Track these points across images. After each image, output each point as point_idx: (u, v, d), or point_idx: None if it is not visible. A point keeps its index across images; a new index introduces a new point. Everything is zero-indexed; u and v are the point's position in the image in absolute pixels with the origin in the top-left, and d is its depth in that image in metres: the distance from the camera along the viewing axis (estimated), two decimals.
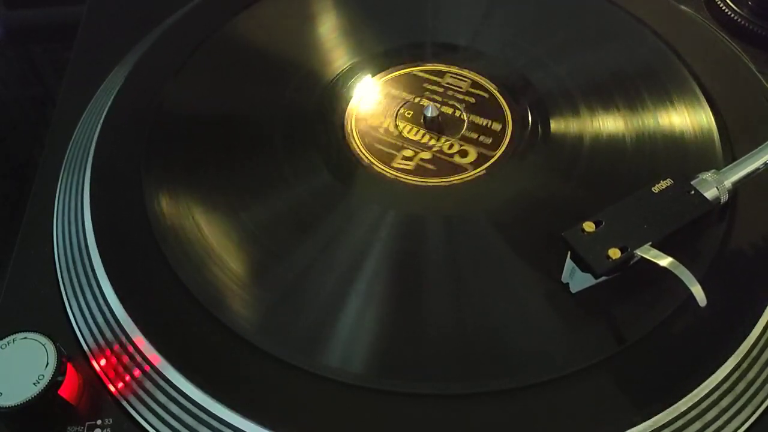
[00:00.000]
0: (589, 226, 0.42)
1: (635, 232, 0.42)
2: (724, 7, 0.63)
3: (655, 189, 0.44)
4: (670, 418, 0.40)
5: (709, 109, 0.53)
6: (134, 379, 0.42)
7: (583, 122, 0.54)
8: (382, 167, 0.52)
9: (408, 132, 0.54)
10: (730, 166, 0.46)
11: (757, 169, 0.46)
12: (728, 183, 0.45)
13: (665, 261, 0.41)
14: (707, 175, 0.45)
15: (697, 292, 0.40)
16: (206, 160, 0.52)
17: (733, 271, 0.45)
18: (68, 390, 0.41)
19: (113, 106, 0.55)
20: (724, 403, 0.41)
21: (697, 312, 0.42)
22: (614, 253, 0.41)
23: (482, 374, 0.41)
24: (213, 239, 0.47)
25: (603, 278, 0.42)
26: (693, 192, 0.44)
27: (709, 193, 0.44)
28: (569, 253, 0.42)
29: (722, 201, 0.45)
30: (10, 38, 0.81)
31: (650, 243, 0.42)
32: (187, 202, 0.49)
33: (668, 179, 0.44)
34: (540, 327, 0.43)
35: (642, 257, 0.41)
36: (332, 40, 0.61)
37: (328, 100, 0.56)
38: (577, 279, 0.43)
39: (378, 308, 0.44)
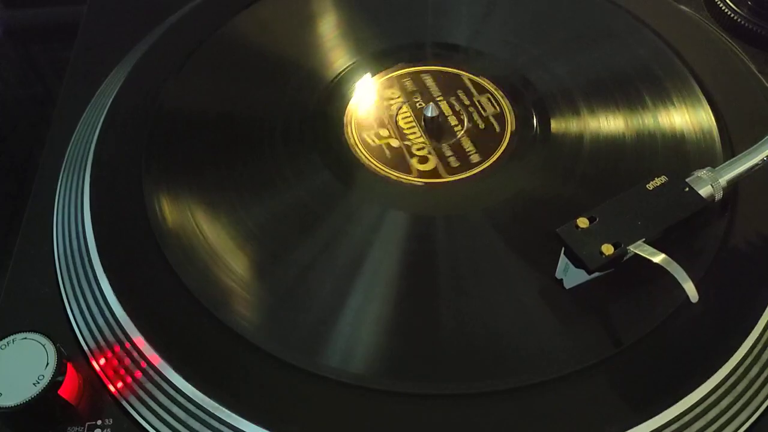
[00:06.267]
0: (582, 222, 0.42)
1: (629, 228, 0.42)
2: (724, 7, 0.63)
3: (650, 186, 0.44)
4: (671, 418, 0.40)
5: (709, 108, 0.53)
6: (134, 380, 0.42)
7: (583, 122, 0.54)
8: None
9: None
10: (725, 164, 0.46)
11: (753, 166, 0.46)
12: (723, 181, 0.45)
13: (658, 257, 0.41)
14: (702, 173, 0.45)
15: (689, 288, 0.40)
16: (206, 160, 0.52)
17: (734, 270, 0.45)
18: (68, 390, 0.41)
19: (113, 106, 0.55)
20: (724, 403, 0.41)
21: (697, 312, 0.42)
22: (607, 249, 0.41)
23: (482, 374, 0.41)
24: (213, 239, 0.47)
25: (596, 274, 0.42)
26: (687, 189, 0.44)
27: (704, 191, 0.44)
28: (563, 248, 0.42)
29: (717, 199, 0.45)
30: (10, 38, 0.81)
31: (643, 239, 0.42)
32: (187, 201, 0.49)
33: (663, 176, 0.45)
34: (540, 327, 0.43)
35: (635, 253, 0.41)
36: (332, 40, 0.61)
37: (328, 99, 0.56)
38: (571, 275, 0.44)
39: (378, 308, 0.44)
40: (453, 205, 0.50)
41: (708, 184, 0.44)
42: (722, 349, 0.42)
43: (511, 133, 0.54)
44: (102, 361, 0.43)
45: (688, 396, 0.40)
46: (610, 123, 0.54)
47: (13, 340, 0.41)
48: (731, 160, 0.46)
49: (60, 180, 0.53)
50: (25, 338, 0.41)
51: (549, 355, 0.42)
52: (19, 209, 0.55)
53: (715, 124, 0.52)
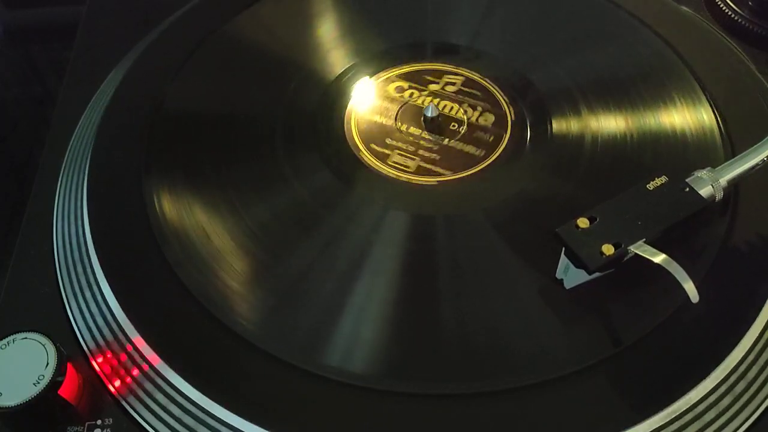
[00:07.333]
0: (583, 222, 0.42)
1: (629, 228, 0.42)
2: (724, 7, 0.63)
3: (650, 186, 0.44)
4: (671, 418, 0.40)
5: (709, 108, 0.53)
6: (134, 380, 0.42)
7: (583, 122, 0.54)
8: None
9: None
10: (725, 164, 0.46)
11: (754, 167, 0.46)
12: (723, 181, 0.45)
13: (658, 258, 0.41)
14: (702, 173, 0.45)
15: (690, 288, 0.40)
16: (206, 160, 0.52)
17: (734, 270, 0.45)
18: (68, 390, 0.41)
19: (113, 106, 0.55)
20: (724, 402, 0.41)
21: (697, 312, 0.42)
22: (608, 249, 0.41)
23: (482, 374, 0.41)
24: (213, 239, 0.47)
25: (597, 274, 0.42)
26: (687, 189, 0.44)
27: (704, 191, 0.44)
28: (563, 249, 0.42)
29: (717, 199, 0.45)
30: (10, 38, 0.81)
31: (644, 239, 0.42)
32: (187, 201, 0.49)
33: (663, 176, 0.45)
34: (540, 327, 0.43)
35: (635, 253, 0.41)
36: (332, 40, 0.61)
37: (329, 100, 0.56)
38: (571, 275, 0.44)
39: (378, 308, 0.44)
40: (453, 205, 0.50)
41: (708, 184, 0.44)
42: (722, 348, 0.42)
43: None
44: (102, 361, 0.43)
45: (688, 395, 0.40)
46: (611, 123, 0.54)
47: (13, 340, 0.41)
48: (731, 160, 0.46)
49: (60, 180, 0.53)
50: (25, 338, 0.41)
51: (549, 355, 0.42)
52: (19, 209, 0.55)
53: (715, 124, 0.52)
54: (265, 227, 0.48)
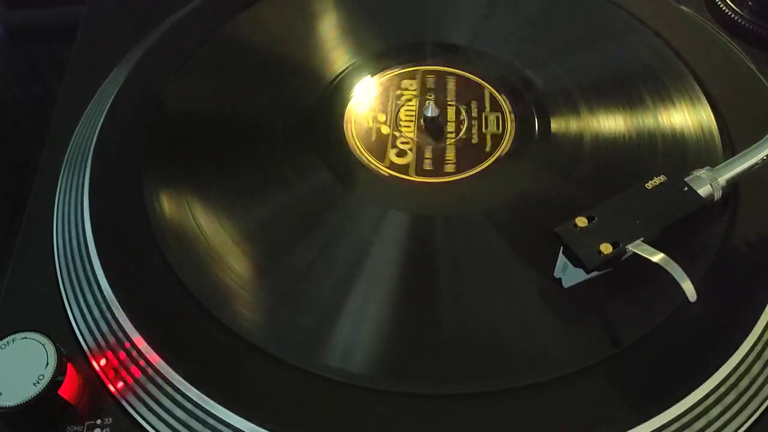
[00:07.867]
0: (581, 221, 0.42)
1: (628, 227, 0.42)
2: (724, 7, 0.63)
3: (649, 185, 0.44)
4: (671, 418, 0.40)
5: (709, 108, 0.53)
6: (134, 379, 0.42)
7: (583, 121, 0.54)
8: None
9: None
10: (724, 163, 0.46)
11: (753, 166, 0.45)
12: (722, 180, 0.45)
13: (656, 257, 0.41)
14: (701, 172, 0.45)
15: (688, 287, 0.40)
16: (206, 160, 0.52)
17: (735, 269, 0.45)
18: (68, 390, 0.41)
19: (113, 106, 0.55)
20: (725, 402, 0.41)
21: (697, 311, 0.42)
22: (606, 248, 0.41)
23: (482, 374, 0.41)
24: (213, 239, 0.47)
25: (595, 273, 0.42)
26: (686, 189, 0.44)
27: (703, 190, 0.44)
28: (561, 248, 0.42)
29: (716, 198, 0.44)
30: (10, 38, 0.81)
31: (642, 239, 0.42)
32: (187, 201, 0.49)
33: (662, 176, 0.45)
34: (540, 327, 0.43)
35: (634, 253, 0.41)
36: (332, 40, 0.61)
37: (328, 99, 0.56)
38: (569, 274, 0.44)
39: (378, 308, 0.44)
40: (453, 205, 0.50)
41: (707, 183, 0.44)
42: (722, 348, 0.42)
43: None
44: (102, 360, 0.43)
45: (688, 396, 0.40)
46: (610, 123, 0.54)
47: (13, 340, 0.41)
48: (730, 159, 0.46)
49: (60, 180, 0.53)
50: (25, 338, 0.41)
51: (549, 355, 0.42)
52: (19, 209, 0.55)
53: (715, 123, 0.52)
54: (265, 227, 0.48)
